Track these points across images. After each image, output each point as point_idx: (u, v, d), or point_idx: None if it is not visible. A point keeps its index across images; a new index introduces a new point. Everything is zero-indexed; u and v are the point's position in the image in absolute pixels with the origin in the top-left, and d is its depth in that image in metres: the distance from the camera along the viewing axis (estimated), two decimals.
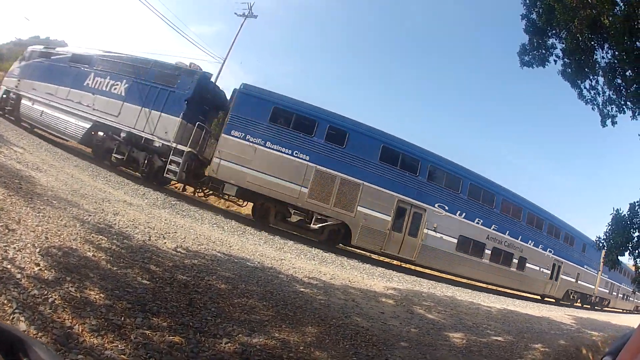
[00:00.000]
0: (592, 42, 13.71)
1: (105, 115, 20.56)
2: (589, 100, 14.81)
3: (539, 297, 27.85)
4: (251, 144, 19.04)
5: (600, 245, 12.86)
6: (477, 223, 22.15)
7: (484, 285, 23.81)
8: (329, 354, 6.26)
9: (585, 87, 14.75)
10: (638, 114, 13.72)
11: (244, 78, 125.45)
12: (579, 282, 28.75)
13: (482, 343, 10.22)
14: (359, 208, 19.61)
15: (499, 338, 11.43)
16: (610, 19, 11.71)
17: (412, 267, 21.80)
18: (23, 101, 23.15)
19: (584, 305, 30.80)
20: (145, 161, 19.75)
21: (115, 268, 6.29)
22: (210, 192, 20.30)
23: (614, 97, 14.18)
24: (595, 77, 14.60)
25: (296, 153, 19.22)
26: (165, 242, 9.60)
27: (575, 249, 27.13)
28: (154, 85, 20.43)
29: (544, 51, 14.70)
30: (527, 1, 14.25)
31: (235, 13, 40.34)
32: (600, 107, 14.57)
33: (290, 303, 7.96)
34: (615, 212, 12.41)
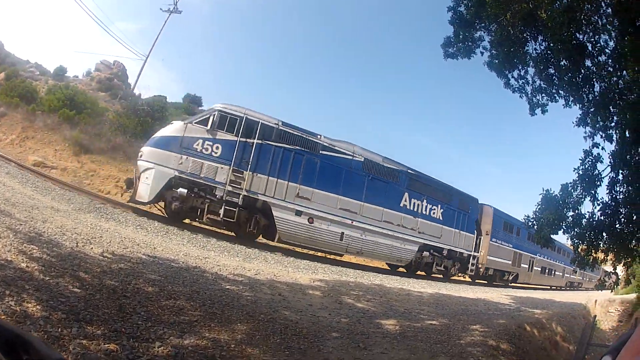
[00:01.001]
0: (525, 34, 14.37)
1: (430, 239, 24.53)
2: (516, 89, 15.49)
3: (469, 280, 29.44)
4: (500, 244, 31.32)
5: (530, 223, 13.40)
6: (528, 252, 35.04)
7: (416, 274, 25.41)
8: (260, 349, 6.51)
9: (513, 77, 15.40)
10: (571, 102, 14.44)
11: (166, 75, 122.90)
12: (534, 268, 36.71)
13: (417, 328, 10.53)
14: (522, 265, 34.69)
15: (434, 322, 11.76)
16: (549, 12, 12.21)
17: (338, 258, 22.04)
18: (277, 212, 19.63)
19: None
20: (435, 263, 25.31)
21: (47, 278, 6.41)
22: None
23: (545, 86, 14.88)
24: (525, 67, 15.28)
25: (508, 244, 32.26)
26: (92, 248, 9.71)
27: (531, 242, 30.63)
28: (459, 211, 26.88)
29: (470, 43, 15.17)
30: None
31: (161, 9, 40.83)
32: (529, 96, 15.30)
33: (217, 301, 8.13)
34: (545, 192, 13.01)
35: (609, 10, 12.48)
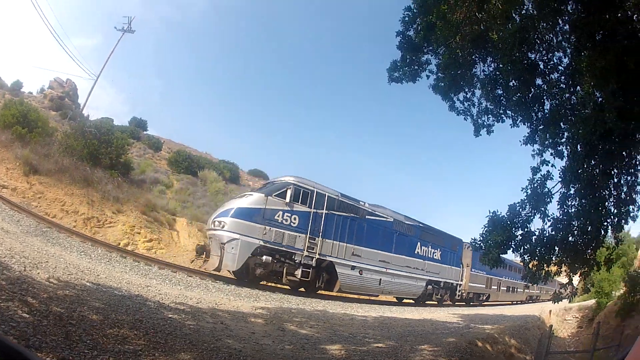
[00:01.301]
0: (473, 57, 14.74)
1: (433, 275, 30.71)
2: (461, 112, 15.81)
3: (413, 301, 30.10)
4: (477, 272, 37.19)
5: (477, 246, 13.66)
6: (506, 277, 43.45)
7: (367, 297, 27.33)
8: None
9: (458, 100, 15.74)
10: (519, 122, 14.82)
11: (115, 96, 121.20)
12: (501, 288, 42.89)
13: (363, 352, 10.63)
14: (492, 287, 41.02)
15: (380, 345, 11.88)
16: (501, 33, 12.62)
17: (279, 285, 22.30)
18: (339, 269, 23.21)
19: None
20: (434, 293, 31.46)
21: None
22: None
23: (491, 107, 15.22)
24: (472, 89, 15.63)
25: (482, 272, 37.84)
26: (39, 273, 9.67)
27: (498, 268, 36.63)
28: (450, 251, 33.15)
29: (416, 67, 15.41)
30: (406, 19, 14.90)
31: (115, 27, 40.94)
32: (475, 117, 15.66)
33: (160, 330, 8.09)
34: (491, 213, 13.27)
35: (566, 27, 12.89)
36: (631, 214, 13.69)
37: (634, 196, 13.75)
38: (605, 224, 13.52)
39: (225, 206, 20.79)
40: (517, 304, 46.38)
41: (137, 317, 8.53)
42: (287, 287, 21.71)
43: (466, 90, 15.62)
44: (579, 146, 13.11)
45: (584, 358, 21.11)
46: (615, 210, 13.65)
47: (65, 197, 22.39)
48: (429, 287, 30.09)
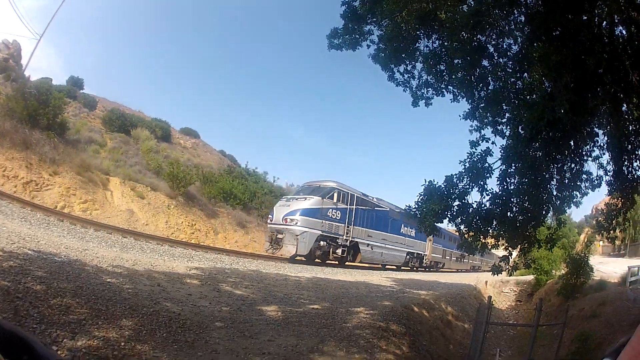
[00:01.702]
0: (418, 32, 14.86)
1: (410, 248, 39.06)
2: (400, 83, 16.12)
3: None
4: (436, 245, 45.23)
5: (412, 213, 13.81)
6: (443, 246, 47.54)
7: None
8: (149, 345, 6.81)
9: (399, 71, 16.00)
10: (460, 97, 15.25)
11: (54, 57, 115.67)
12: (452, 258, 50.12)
13: (299, 313, 10.99)
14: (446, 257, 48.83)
15: (316, 306, 12.24)
16: (450, 14, 12.87)
17: (212, 244, 23.06)
18: (361, 247, 31.10)
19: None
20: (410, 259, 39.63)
21: None
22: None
23: (432, 81, 15.52)
24: (413, 62, 15.85)
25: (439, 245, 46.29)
26: None
27: (450, 242, 46.58)
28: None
29: (357, 36, 15.63)
30: None
31: None
32: (414, 89, 15.97)
33: (100, 297, 8.18)
34: (427, 182, 13.47)
35: (521, 17, 13.06)
36: (574, 200, 14.29)
37: (578, 183, 14.35)
38: (547, 204, 14.01)
39: (292, 206, 27.09)
40: (463, 271, 53.17)
41: (77, 284, 8.59)
42: (334, 262, 28.88)
43: (407, 62, 15.89)
44: (520, 128, 13.28)
45: (525, 332, 22.26)
46: (558, 194, 14.16)
47: (6, 162, 21.86)
48: (408, 257, 38.60)
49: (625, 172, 14.48)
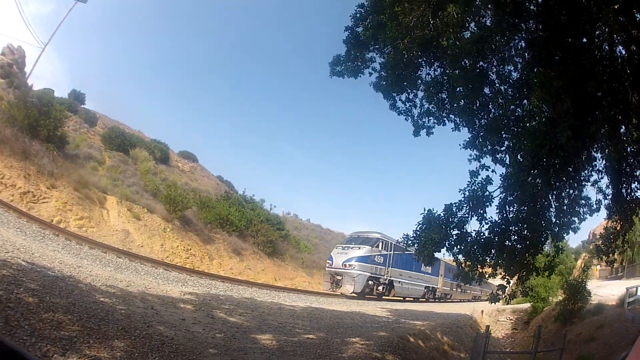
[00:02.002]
0: (420, 60, 14.78)
1: (427, 283, 43.08)
2: (402, 112, 15.96)
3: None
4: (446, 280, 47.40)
5: (409, 242, 13.65)
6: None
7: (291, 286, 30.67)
8: None
9: (400, 100, 15.84)
10: (462, 126, 15.07)
11: (58, 66, 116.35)
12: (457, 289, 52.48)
13: (294, 342, 10.76)
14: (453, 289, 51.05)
15: (311, 336, 11.97)
16: (451, 41, 12.53)
17: (206, 270, 22.85)
18: (395, 284, 36.23)
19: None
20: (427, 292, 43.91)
21: None
22: None
23: (434, 110, 15.38)
24: (415, 90, 15.73)
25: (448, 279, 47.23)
26: None
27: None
28: (433, 266, 36.60)
29: (359, 63, 15.67)
30: (358, 15, 15.07)
31: None
32: (415, 118, 15.82)
33: (93, 315, 7.99)
34: (427, 211, 13.35)
35: (522, 43, 12.99)
36: (572, 226, 14.02)
37: (577, 209, 14.11)
38: (546, 232, 13.90)
39: (349, 254, 32.67)
40: (465, 301, 53.57)
41: (70, 301, 8.40)
42: (375, 297, 33.61)
43: (409, 90, 15.77)
44: (519, 156, 13.31)
45: (523, 359, 21.85)
46: (557, 220, 13.98)
47: (4, 170, 21.64)
48: (425, 290, 42.59)
49: (624, 194, 14.33)
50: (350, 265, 31.80)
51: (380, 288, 34.09)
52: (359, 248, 33.30)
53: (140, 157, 40.43)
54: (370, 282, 32.74)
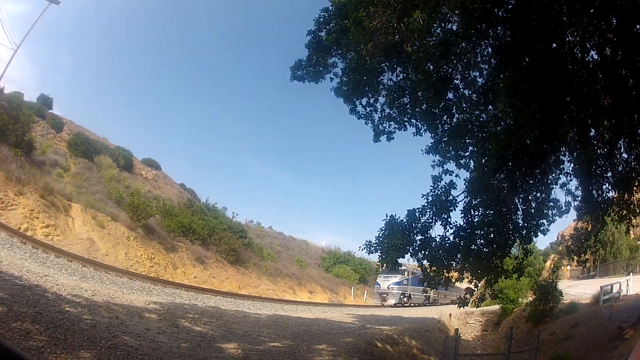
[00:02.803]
0: (382, 65, 14.87)
1: (426, 294, 50.54)
2: (362, 116, 16.04)
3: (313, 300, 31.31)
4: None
5: (372, 249, 13.08)
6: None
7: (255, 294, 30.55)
8: None
9: (361, 104, 15.90)
10: (424, 131, 15.12)
11: (28, 70, 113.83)
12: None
13: (260, 351, 10.88)
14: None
15: (277, 344, 12.06)
16: (416, 46, 12.73)
17: (170, 279, 22.78)
18: (412, 297, 47.55)
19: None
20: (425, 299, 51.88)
21: None
22: None
23: (395, 114, 15.49)
24: (376, 95, 15.84)
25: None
26: None
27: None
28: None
29: (321, 68, 15.74)
30: (321, 20, 15.11)
31: None
32: (376, 123, 15.93)
33: (59, 325, 8.01)
34: (389, 217, 13.12)
35: (488, 49, 13.16)
36: (541, 228, 14.29)
37: (545, 211, 14.35)
38: (514, 235, 14.06)
39: (390, 280, 45.14)
40: (445, 304, 54.33)
41: (37, 310, 8.44)
42: (400, 305, 44.88)
43: (370, 95, 15.91)
44: (484, 160, 13.30)
45: None
46: (524, 223, 14.15)
47: None
48: (424, 299, 50.70)
49: (595, 195, 14.53)
50: (391, 287, 46.07)
51: (404, 299, 46.93)
52: (395, 277, 45.55)
53: (104, 164, 39.92)
54: (401, 296, 46.33)
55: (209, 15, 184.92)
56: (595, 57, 12.22)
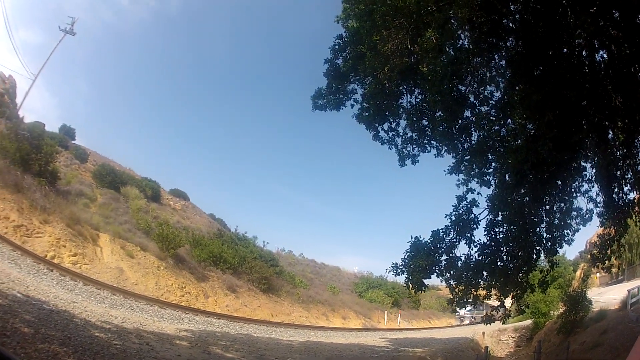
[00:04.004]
0: (401, 88, 15.01)
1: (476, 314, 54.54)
2: (385, 141, 16.10)
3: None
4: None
5: (399, 270, 13.41)
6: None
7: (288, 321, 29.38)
8: None
9: (383, 129, 16.00)
10: (444, 152, 15.16)
11: (48, 99, 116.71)
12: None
13: None
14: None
15: None
16: (432, 66, 12.59)
17: (202, 308, 22.64)
18: (476, 317, 51.31)
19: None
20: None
21: None
22: None
23: (417, 137, 15.50)
24: (397, 119, 15.92)
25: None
26: None
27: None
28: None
29: (341, 95, 15.75)
30: (337, 47, 15.26)
31: (59, 27, 40.37)
32: (399, 147, 15.92)
33: (88, 349, 7.94)
34: (414, 239, 13.34)
35: (502, 62, 13.16)
36: (566, 238, 14.13)
37: (568, 221, 14.10)
38: (538, 248, 13.91)
39: (466, 308, 42.04)
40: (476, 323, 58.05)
41: (65, 334, 8.37)
42: (468, 324, 54.94)
43: (391, 120, 15.99)
44: (507, 176, 13.39)
45: None
46: (548, 235, 14.03)
47: None
48: (472, 319, 57.59)
49: (616, 199, 14.17)
50: (465, 313, 56.89)
51: (473, 319, 55.50)
52: (468, 307, 42.78)
53: (131, 194, 40.20)
54: (471, 318, 57.19)
55: (231, 44, 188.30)
56: (604, 56, 11.99)
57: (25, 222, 21.71)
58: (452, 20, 11.85)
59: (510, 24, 12.08)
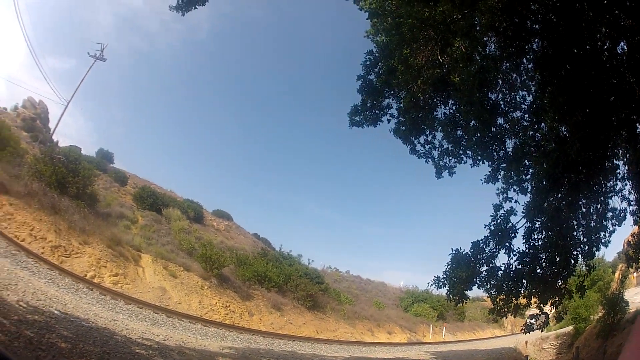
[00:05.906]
0: (434, 100, 15.14)
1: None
2: (422, 155, 16.17)
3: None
4: None
5: (441, 283, 13.69)
6: None
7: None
8: None
9: (419, 143, 16.08)
10: (479, 161, 15.10)
11: (83, 124, 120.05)
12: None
13: None
14: None
15: None
16: (463, 76, 12.70)
17: (246, 326, 22.72)
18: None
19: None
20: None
21: None
22: None
23: (452, 148, 15.56)
24: (433, 132, 15.97)
25: None
26: (9, 294, 9.71)
27: None
28: None
29: (377, 111, 15.80)
30: (368, 63, 15.29)
31: (88, 53, 41.30)
32: (436, 159, 16.00)
33: None
34: (454, 251, 13.52)
35: (530, 65, 13.05)
36: (602, 241, 14.11)
37: (604, 223, 14.08)
38: (575, 253, 13.93)
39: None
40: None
41: (104, 350, 8.44)
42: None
43: (427, 133, 16.07)
44: (543, 181, 13.35)
45: None
46: (585, 239, 14.01)
47: (34, 222, 21.95)
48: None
49: None
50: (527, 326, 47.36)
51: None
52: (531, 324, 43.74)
53: (173, 216, 40.68)
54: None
55: (262, 65, 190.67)
56: (625, 47, 11.80)
57: (64, 243, 22.02)
58: (477, 27, 11.88)
59: (534, 25, 12.02)
